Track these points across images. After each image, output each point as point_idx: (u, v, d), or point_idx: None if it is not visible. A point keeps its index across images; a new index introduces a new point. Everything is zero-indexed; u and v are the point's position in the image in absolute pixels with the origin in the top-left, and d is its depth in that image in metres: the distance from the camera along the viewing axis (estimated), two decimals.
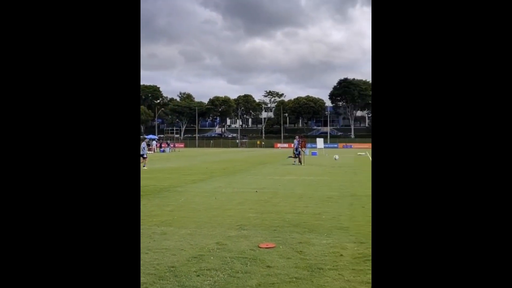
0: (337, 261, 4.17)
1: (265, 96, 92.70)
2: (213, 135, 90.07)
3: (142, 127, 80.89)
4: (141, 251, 4.22)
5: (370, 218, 6.37)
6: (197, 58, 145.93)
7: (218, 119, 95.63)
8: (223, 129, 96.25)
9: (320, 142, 35.72)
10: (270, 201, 8.39)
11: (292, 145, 22.15)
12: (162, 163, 22.49)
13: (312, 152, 34.98)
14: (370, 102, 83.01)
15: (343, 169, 17.55)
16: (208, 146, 72.68)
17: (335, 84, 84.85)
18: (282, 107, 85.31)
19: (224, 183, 11.81)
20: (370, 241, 4.95)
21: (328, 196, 8.98)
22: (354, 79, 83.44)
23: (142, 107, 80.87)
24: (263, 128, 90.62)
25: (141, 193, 9.20)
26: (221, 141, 79.00)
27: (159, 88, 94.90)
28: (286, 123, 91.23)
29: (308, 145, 40.20)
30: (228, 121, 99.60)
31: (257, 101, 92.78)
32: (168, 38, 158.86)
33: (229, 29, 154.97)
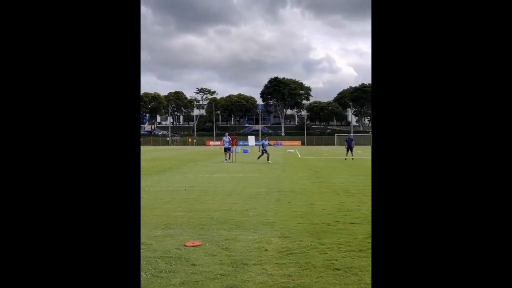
0: (261, 256, 4.26)
1: (197, 93, 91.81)
2: (142, 132, 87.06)
3: None
4: None
5: (295, 213, 6.63)
6: None
7: (147, 116, 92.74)
8: (153, 126, 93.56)
9: (251, 139, 36.20)
10: (199, 199, 8.34)
11: (223, 142, 22.15)
12: None
13: (243, 150, 35.31)
14: (299, 100, 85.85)
15: (273, 166, 17.95)
16: None
17: (266, 83, 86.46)
18: (214, 104, 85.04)
19: (152, 182, 11.50)
20: (293, 235, 5.14)
21: (256, 193, 9.13)
22: (284, 78, 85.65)
23: None
24: (195, 126, 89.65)
25: None
26: (150, 138, 76.79)
27: None
28: (219, 121, 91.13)
29: (240, 142, 40.49)
30: (158, 118, 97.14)
31: (189, 98, 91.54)
32: None
33: (159, 24, 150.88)
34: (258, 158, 20.98)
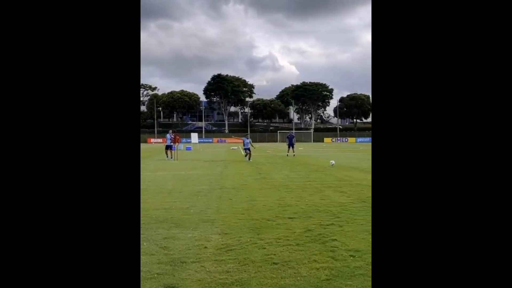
0: (200, 254, 4.25)
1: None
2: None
3: None
4: None
5: (236, 210, 6.67)
6: None
7: None
8: None
9: (194, 137, 35.75)
10: None
11: (166, 139, 21.68)
12: None
13: (186, 147, 34.83)
14: (243, 98, 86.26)
15: (215, 163, 17.90)
16: None
17: (210, 80, 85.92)
18: (156, 101, 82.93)
19: None
20: (233, 232, 5.17)
21: (198, 190, 9.06)
22: (227, 75, 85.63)
23: None
24: None
25: None
26: None
27: None
28: (160, 118, 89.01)
29: (183, 140, 39.88)
30: None
31: None
32: None
33: None
34: (249, 159, 19.45)
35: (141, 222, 5.77)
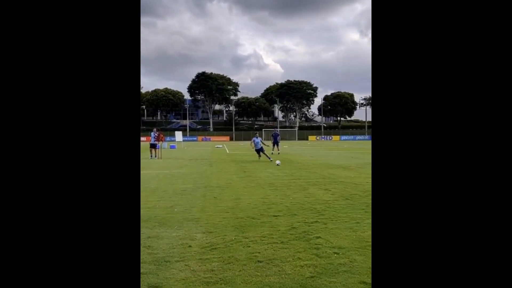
0: (184, 252, 4.22)
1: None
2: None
3: None
4: None
5: (220, 208, 6.65)
6: None
7: None
8: None
9: (179, 135, 35.50)
10: None
11: (150, 138, 21.47)
12: None
13: (170, 146, 34.59)
14: (227, 96, 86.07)
15: (200, 161, 17.83)
16: None
17: (194, 78, 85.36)
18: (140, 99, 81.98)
19: None
20: (218, 230, 5.16)
21: (182, 189, 9.00)
22: (212, 73, 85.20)
23: None
24: None
25: None
26: None
27: None
28: (144, 116, 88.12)
29: (167, 138, 39.61)
30: None
31: None
32: None
33: None
34: (270, 158, 17.64)
35: None
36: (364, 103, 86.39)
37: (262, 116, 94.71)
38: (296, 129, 78.66)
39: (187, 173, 12.86)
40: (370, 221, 5.54)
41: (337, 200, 7.44)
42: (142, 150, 29.07)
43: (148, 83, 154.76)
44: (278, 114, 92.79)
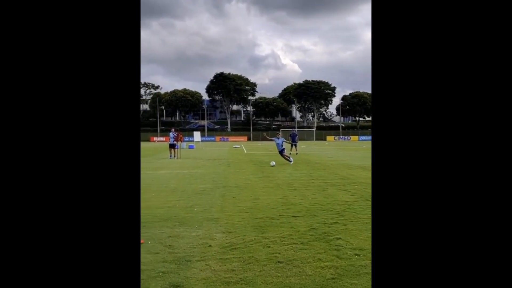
0: (205, 252, 4.25)
1: (140, 87, 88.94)
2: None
3: None
4: None
5: (239, 208, 6.67)
6: None
7: None
8: None
9: (197, 135, 35.76)
10: (141, 196, 8.11)
11: (169, 138, 21.69)
12: None
13: (189, 146, 34.87)
14: (245, 96, 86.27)
15: (218, 162, 17.91)
16: None
17: (212, 78, 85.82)
18: (158, 99, 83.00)
19: None
20: (237, 230, 5.17)
21: (201, 189, 9.06)
22: (230, 73, 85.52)
23: None
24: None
25: None
26: None
27: None
28: (163, 116, 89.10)
29: (186, 138, 39.94)
30: None
31: None
32: None
33: None
34: (290, 159, 16.40)
35: (145, 220, 5.78)
36: None
37: (279, 116, 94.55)
38: (314, 129, 78.23)
39: (205, 173, 12.94)
40: None
41: (357, 201, 7.37)
42: (161, 150, 29.38)
43: (167, 83, 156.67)
44: (296, 114, 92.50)
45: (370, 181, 10.32)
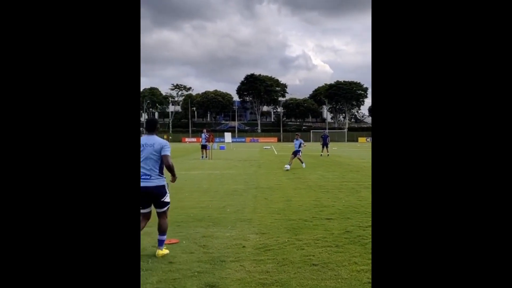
0: (239, 253, 4.27)
1: (172, 89, 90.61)
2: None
3: None
4: None
5: (272, 209, 6.66)
6: None
7: None
8: None
9: (228, 136, 36.07)
10: (175, 196, 8.24)
11: (200, 139, 21.97)
12: None
13: (220, 146, 35.21)
14: (275, 97, 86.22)
15: (249, 163, 17.98)
16: None
17: (243, 79, 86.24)
18: (190, 101, 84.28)
19: None
20: (271, 232, 5.17)
21: (233, 189, 9.12)
22: (260, 75, 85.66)
23: None
24: (171, 122, 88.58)
25: None
26: None
27: None
28: (194, 117, 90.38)
29: (216, 139, 40.34)
30: None
31: (164, 94, 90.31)
32: None
33: None
34: (302, 162, 15.37)
35: (180, 220, 5.88)
36: None
37: (310, 117, 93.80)
38: (346, 130, 77.18)
39: (237, 174, 13.02)
40: None
41: None
42: (193, 150, 29.77)
43: (198, 85, 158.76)
44: (327, 115, 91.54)
45: None
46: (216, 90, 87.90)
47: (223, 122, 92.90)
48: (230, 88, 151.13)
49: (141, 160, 4.17)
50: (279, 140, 72.33)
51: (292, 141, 15.19)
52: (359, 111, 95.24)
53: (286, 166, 14.43)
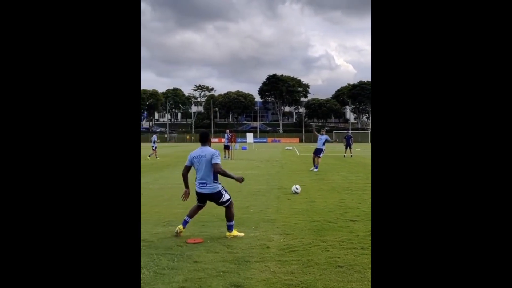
0: (263, 253, 4.27)
1: (195, 90, 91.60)
2: (140, 129, 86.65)
3: None
4: None
5: (295, 210, 6.63)
6: None
7: (145, 113, 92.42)
8: (150, 123, 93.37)
9: (250, 137, 36.12)
10: None
11: (223, 139, 22.09)
12: None
13: (242, 147, 35.32)
14: (297, 98, 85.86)
15: (271, 163, 17.96)
16: None
17: (264, 80, 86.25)
18: (212, 101, 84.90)
19: (151, 179, 11.48)
20: (295, 232, 5.14)
21: (256, 190, 9.12)
22: (282, 75, 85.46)
23: None
24: (193, 123, 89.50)
25: None
26: (148, 135, 76.57)
27: None
28: (217, 118, 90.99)
29: (238, 139, 40.49)
30: (156, 115, 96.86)
31: (187, 95, 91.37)
32: None
33: (158, 20, 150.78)
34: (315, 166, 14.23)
35: (204, 220, 5.92)
36: None
37: (332, 117, 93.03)
38: (369, 131, 76.12)
39: (259, 174, 13.02)
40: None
41: None
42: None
43: (220, 86, 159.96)
44: (350, 115, 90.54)
45: None
46: (238, 90, 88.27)
47: (245, 122, 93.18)
48: (252, 88, 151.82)
49: (198, 169, 5.00)
50: (301, 141, 72.00)
51: (326, 139, 14.53)
52: None
53: (313, 169, 13.98)
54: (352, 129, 71.48)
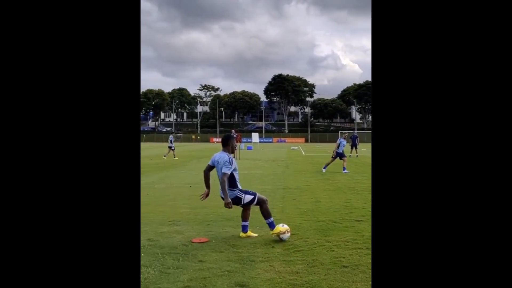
0: (268, 253, 4.27)
1: (201, 90, 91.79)
2: (145, 129, 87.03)
3: None
4: None
5: (300, 210, 6.62)
6: None
7: (151, 112, 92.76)
8: (156, 123, 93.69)
9: (255, 136, 36.15)
10: None
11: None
12: None
13: (247, 147, 35.35)
14: (303, 97, 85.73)
15: (276, 163, 17.95)
16: (140, 140, 70.39)
17: (270, 80, 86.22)
18: (218, 101, 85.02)
19: (156, 179, 11.53)
20: (300, 232, 5.14)
21: (261, 190, 9.10)
22: (288, 75, 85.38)
23: None
24: (199, 122, 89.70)
25: None
26: (154, 135, 76.87)
27: None
28: (222, 118, 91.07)
29: (244, 139, 40.53)
30: (162, 115, 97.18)
31: (193, 94, 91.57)
32: None
33: (165, 20, 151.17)
34: (344, 169, 13.69)
35: (210, 219, 5.94)
36: None
37: (338, 117, 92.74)
38: None
39: (264, 174, 13.02)
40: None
41: None
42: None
43: (227, 85, 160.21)
44: (356, 115, 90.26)
45: None
46: (243, 90, 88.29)
47: (251, 122, 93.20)
48: (257, 88, 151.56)
49: (217, 173, 5.10)
50: (306, 141, 71.90)
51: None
52: None
53: (344, 171, 13.41)
54: (358, 129, 71.22)
